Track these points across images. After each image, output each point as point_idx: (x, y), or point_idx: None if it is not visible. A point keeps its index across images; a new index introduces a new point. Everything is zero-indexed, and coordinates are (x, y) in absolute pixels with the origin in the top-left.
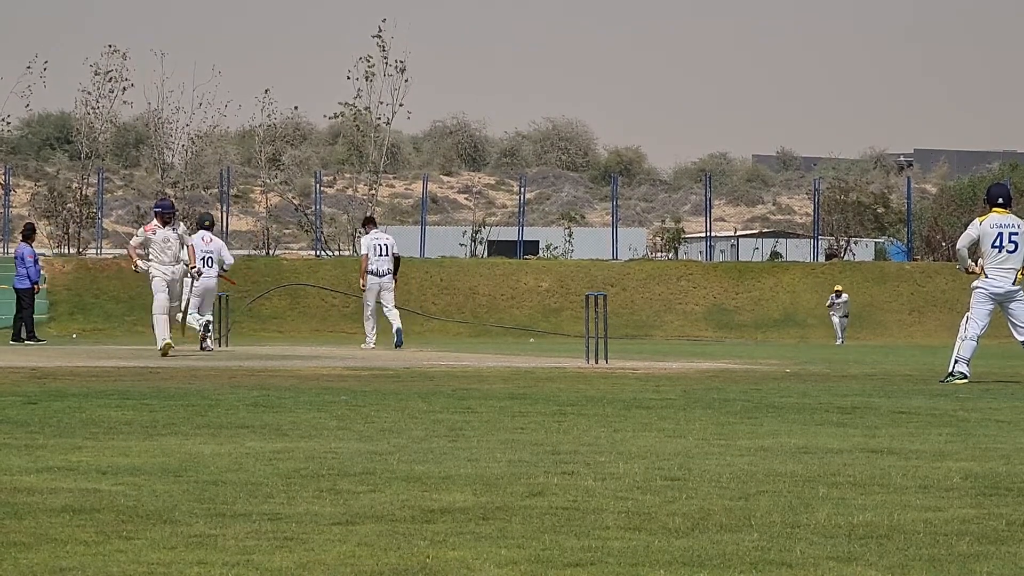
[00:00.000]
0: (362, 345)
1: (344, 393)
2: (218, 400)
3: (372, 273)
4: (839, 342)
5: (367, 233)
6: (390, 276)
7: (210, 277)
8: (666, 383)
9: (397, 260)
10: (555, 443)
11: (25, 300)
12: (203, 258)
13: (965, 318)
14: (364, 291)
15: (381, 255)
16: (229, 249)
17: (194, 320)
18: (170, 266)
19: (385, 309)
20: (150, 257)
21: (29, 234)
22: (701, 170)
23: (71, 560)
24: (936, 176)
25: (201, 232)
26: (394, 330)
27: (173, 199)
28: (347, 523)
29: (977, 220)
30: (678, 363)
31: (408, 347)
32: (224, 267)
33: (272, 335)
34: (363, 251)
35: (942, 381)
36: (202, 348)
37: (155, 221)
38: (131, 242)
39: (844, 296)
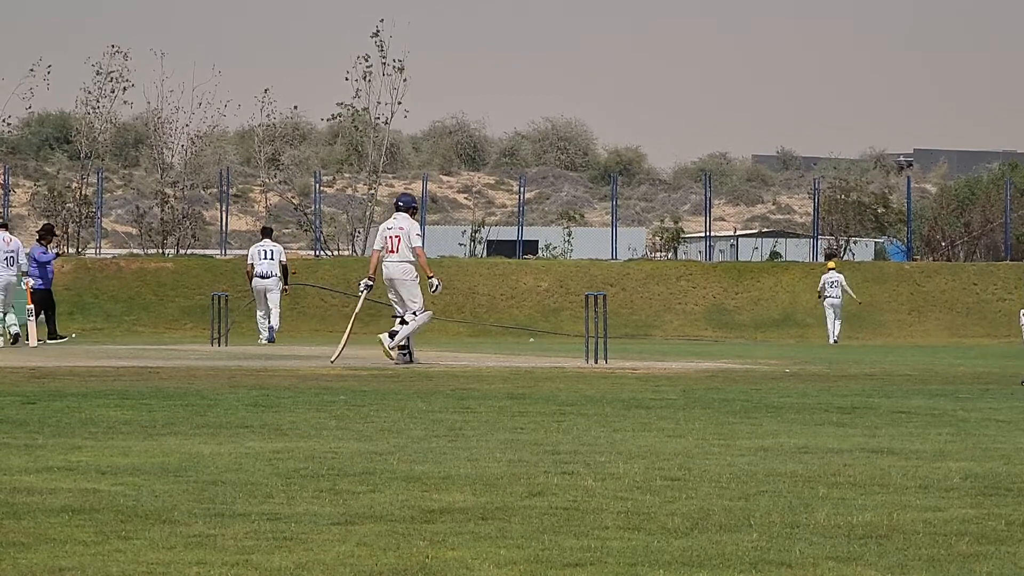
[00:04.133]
0: (258, 341)
1: (343, 393)
2: (217, 400)
3: (258, 276)
4: (832, 339)
5: (260, 241)
6: (275, 279)
7: (11, 275)
8: (666, 383)
9: (284, 268)
10: (555, 443)
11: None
12: (5, 258)
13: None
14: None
15: (265, 258)
16: (228, 249)
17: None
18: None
19: (270, 305)
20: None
21: (42, 235)
22: (701, 170)
23: (70, 560)
24: (936, 176)
25: (1, 234)
26: (268, 326)
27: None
28: (346, 523)
29: None
30: (678, 363)
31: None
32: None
33: None
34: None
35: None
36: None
37: (407, 217)
38: (421, 245)
39: (838, 275)
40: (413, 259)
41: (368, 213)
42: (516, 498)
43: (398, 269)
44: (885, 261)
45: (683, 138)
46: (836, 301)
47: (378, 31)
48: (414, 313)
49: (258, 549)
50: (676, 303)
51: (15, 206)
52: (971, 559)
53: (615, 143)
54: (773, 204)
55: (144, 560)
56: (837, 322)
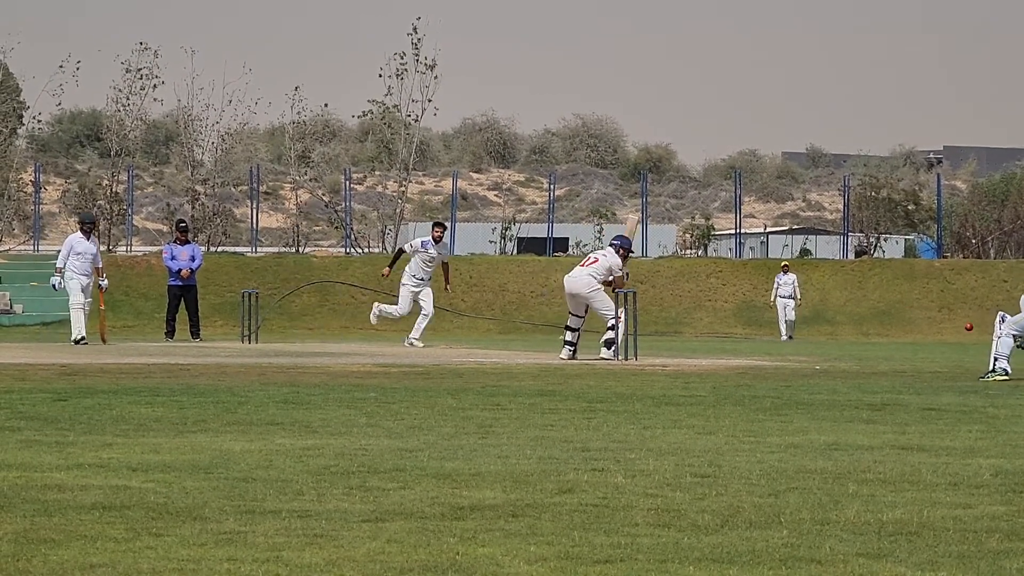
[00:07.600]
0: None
1: (374, 390)
2: (248, 397)
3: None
4: (784, 337)
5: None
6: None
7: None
8: (696, 380)
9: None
10: (585, 440)
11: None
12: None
13: None
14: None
15: None
16: (258, 246)
17: None
18: None
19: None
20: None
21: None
22: (731, 167)
23: (101, 557)
24: (965, 173)
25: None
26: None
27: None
28: (377, 520)
29: None
30: (708, 360)
31: (438, 344)
32: None
33: (302, 332)
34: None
35: None
36: None
37: (613, 253)
38: (624, 276)
39: (791, 275)
40: (598, 276)
41: (398, 211)
42: (546, 495)
43: (580, 282)
44: (915, 258)
45: (713, 135)
46: (789, 301)
47: (415, 28)
48: (615, 318)
49: (289, 546)
50: (706, 300)
51: (46, 203)
52: (1001, 556)
53: (645, 140)
54: (803, 201)
55: (175, 557)
56: (788, 321)
